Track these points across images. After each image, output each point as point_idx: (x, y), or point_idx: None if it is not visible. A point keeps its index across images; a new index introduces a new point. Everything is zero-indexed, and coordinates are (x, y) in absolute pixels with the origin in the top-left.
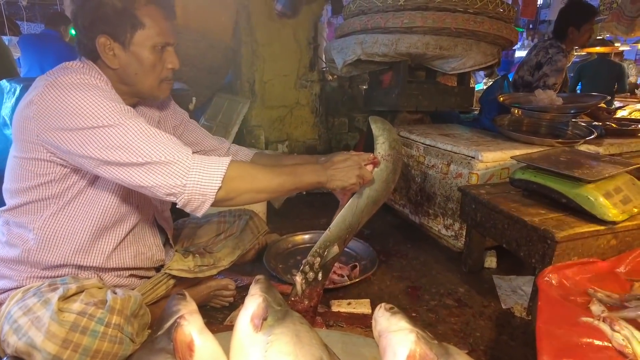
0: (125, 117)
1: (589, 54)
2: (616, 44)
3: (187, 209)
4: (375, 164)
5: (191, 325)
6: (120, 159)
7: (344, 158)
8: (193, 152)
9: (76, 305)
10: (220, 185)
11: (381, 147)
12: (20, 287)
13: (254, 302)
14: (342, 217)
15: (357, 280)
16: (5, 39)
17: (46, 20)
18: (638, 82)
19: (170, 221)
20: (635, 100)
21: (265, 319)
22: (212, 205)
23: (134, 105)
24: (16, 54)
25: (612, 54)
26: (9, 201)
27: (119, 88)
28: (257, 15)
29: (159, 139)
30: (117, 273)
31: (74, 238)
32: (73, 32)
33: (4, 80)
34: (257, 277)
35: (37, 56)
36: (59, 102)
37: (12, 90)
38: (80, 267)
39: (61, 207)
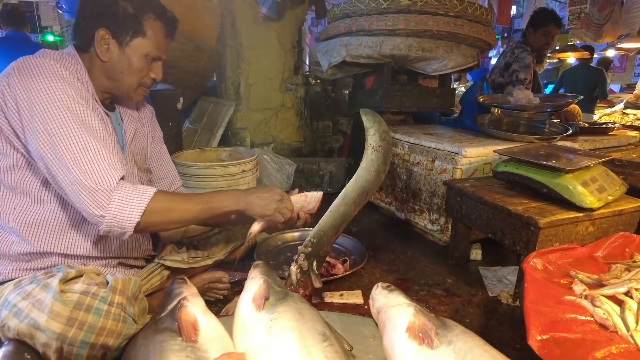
0: (72, 118)
1: (560, 60)
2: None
3: (111, 235)
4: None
5: (195, 306)
6: (53, 165)
7: (266, 189)
8: (121, 179)
9: (78, 286)
10: (139, 219)
11: (372, 138)
12: (7, 282)
13: (255, 283)
14: (335, 207)
15: (348, 273)
16: None
17: (9, 22)
18: (610, 88)
19: None
20: (605, 105)
21: (267, 299)
22: None
23: (110, 101)
24: None
25: (596, 61)
26: None
27: (99, 80)
28: (241, 18)
29: (94, 154)
30: (105, 262)
31: (52, 225)
32: (50, 38)
33: None
34: (256, 262)
35: (8, 59)
36: (21, 84)
37: None
38: (66, 256)
39: (33, 196)
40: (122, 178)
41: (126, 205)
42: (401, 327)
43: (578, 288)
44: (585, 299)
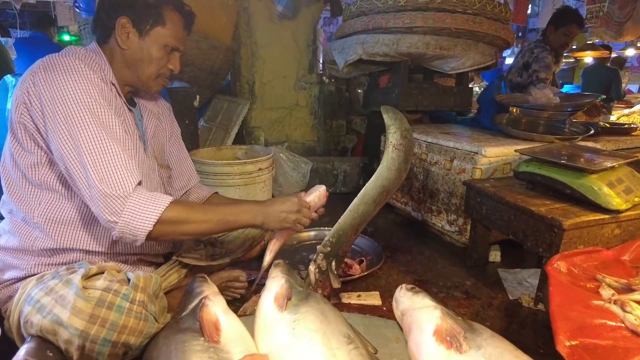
0: (93, 120)
1: (576, 60)
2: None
3: (123, 241)
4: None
5: (216, 306)
6: (72, 166)
7: (283, 200)
8: (137, 185)
9: (100, 282)
10: (151, 229)
11: (393, 136)
12: (29, 276)
13: (277, 283)
14: (354, 206)
15: (365, 273)
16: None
17: (34, 24)
18: (627, 89)
19: None
20: (623, 106)
21: (289, 299)
22: None
23: (131, 96)
24: (12, 55)
25: (610, 60)
26: (7, 191)
27: (121, 71)
28: (256, 17)
29: (112, 158)
30: (125, 258)
31: (75, 222)
32: (66, 37)
33: (9, 75)
34: (277, 261)
35: (29, 58)
36: (45, 83)
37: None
38: (87, 252)
39: (57, 192)
40: (139, 183)
41: (139, 214)
42: (428, 331)
43: (606, 292)
44: (614, 304)
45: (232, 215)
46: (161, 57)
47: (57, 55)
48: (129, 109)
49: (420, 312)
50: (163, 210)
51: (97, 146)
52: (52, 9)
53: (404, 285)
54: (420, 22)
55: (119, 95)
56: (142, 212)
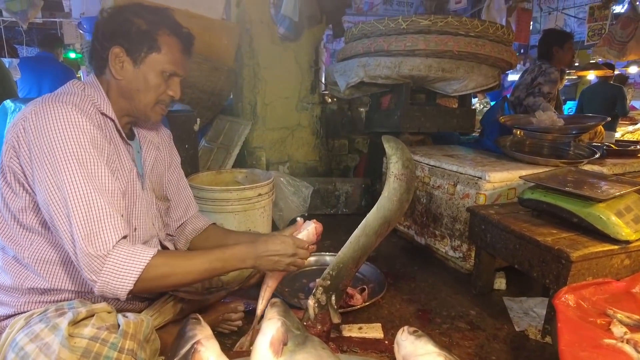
0: (80, 172)
1: (579, 77)
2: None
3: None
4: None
5: (208, 351)
6: (57, 218)
7: (277, 241)
8: (121, 239)
9: (87, 330)
10: (131, 287)
11: (394, 166)
12: (19, 314)
13: (272, 326)
14: (355, 238)
15: (367, 304)
16: (5, 61)
17: (41, 43)
18: (630, 105)
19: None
20: (628, 122)
21: (285, 344)
22: None
23: (130, 127)
24: (16, 75)
25: (614, 77)
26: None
27: (118, 102)
28: (259, 38)
29: (97, 213)
30: None
31: (67, 263)
32: (72, 55)
33: (8, 101)
34: (273, 300)
35: (35, 77)
36: (35, 131)
37: (17, 109)
38: (79, 293)
39: (48, 234)
40: (125, 237)
41: (118, 273)
42: None
43: (618, 330)
44: (627, 343)
45: (219, 262)
46: (158, 84)
47: (51, 99)
48: (127, 143)
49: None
50: (143, 268)
51: (82, 200)
52: (59, 28)
53: (405, 328)
54: (423, 45)
55: (117, 130)
56: (121, 271)
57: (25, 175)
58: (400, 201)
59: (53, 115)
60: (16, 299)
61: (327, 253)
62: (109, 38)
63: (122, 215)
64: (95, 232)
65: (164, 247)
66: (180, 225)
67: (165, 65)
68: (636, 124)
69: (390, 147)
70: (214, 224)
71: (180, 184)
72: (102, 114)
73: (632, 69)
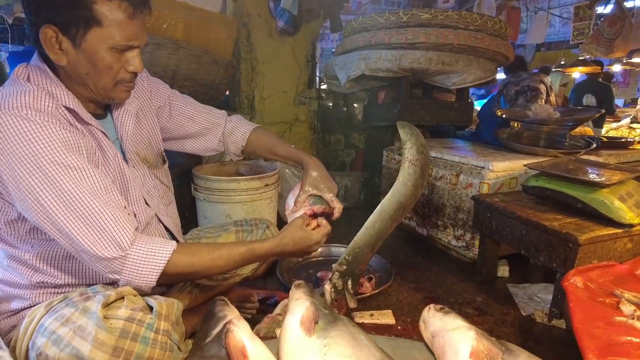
0: (64, 176)
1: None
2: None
3: None
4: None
5: (241, 331)
6: (56, 235)
7: (300, 236)
8: (133, 235)
9: (122, 311)
10: (154, 281)
11: (409, 151)
12: (33, 305)
13: (301, 305)
14: (370, 223)
15: (376, 291)
16: None
17: (27, 38)
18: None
19: (176, 219)
20: (611, 120)
21: (316, 322)
22: None
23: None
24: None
25: (602, 75)
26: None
27: (73, 88)
28: (257, 32)
29: (97, 219)
30: None
31: (74, 258)
32: None
33: None
34: (297, 282)
35: None
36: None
37: None
38: (92, 279)
39: (45, 235)
40: (136, 229)
41: (140, 270)
42: (464, 353)
43: (627, 309)
44: (638, 320)
45: (245, 255)
46: (110, 64)
47: (3, 113)
48: (101, 130)
49: (453, 334)
50: (165, 262)
51: (77, 210)
52: None
53: (432, 305)
54: (423, 38)
55: (80, 120)
56: (143, 267)
57: (1, 194)
58: (415, 186)
59: (10, 132)
60: (29, 292)
61: (332, 244)
62: (36, 13)
63: (125, 207)
64: (103, 237)
65: (164, 226)
66: (220, 141)
67: (113, 39)
68: (619, 121)
69: (405, 133)
70: (255, 129)
71: (185, 111)
72: (64, 106)
73: (616, 67)
